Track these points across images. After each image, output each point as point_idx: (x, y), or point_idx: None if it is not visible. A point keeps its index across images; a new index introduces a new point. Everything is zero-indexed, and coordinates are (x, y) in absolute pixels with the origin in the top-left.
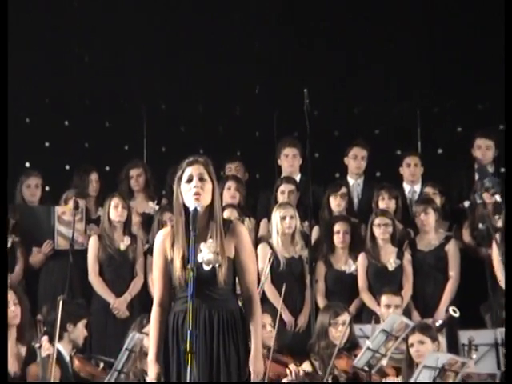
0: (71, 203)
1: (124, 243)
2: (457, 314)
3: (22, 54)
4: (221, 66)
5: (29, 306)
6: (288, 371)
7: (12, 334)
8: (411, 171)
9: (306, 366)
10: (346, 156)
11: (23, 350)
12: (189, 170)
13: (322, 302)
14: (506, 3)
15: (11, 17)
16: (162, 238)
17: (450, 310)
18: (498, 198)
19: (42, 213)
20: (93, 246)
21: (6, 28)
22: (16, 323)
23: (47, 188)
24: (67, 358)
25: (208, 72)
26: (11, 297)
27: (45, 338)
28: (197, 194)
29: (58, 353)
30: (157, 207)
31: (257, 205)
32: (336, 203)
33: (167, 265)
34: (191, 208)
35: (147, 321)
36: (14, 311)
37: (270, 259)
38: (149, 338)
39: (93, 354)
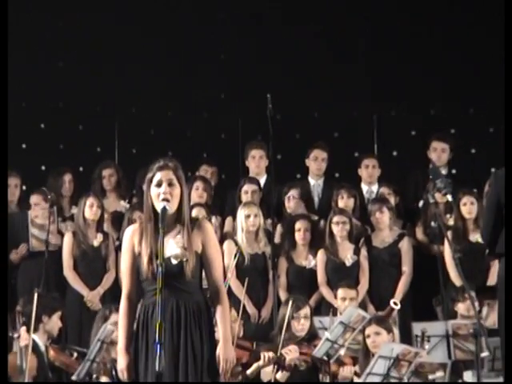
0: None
1: (97, 240)
2: (398, 307)
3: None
4: (188, 73)
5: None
6: (262, 356)
7: None
8: (369, 172)
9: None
10: (307, 158)
11: None
12: (158, 175)
13: (283, 295)
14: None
15: None
16: (130, 233)
17: (391, 302)
18: (449, 197)
19: (17, 217)
20: (67, 242)
21: None
22: None
23: (24, 187)
24: (43, 348)
25: (177, 79)
26: None
27: (23, 329)
28: (165, 199)
29: (34, 343)
30: (128, 206)
31: (224, 204)
32: (294, 202)
33: (135, 259)
34: (160, 208)
35: (110, 312)
36: None
37: (235, 255)
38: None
39: (68, 344)
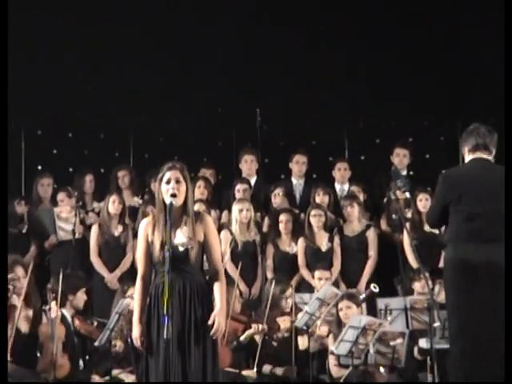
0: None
1: (118, 230)
2: (376, 290)
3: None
4: (192, 92)
5: (33, 279)
6: (255, 326)
7: (20, 301)
8: (341, 174)
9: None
10: (290, 161)
11: (30, 313)
12: (168, 174)
13: (270, 276)
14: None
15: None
16: (144, 225)
17: (372, 286)
18: (407, 195)
19: (44, 214)
20: (94, 233)
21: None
22: (22, 293)
23: (55, 186)
24: (69, 319)
25: (181, 97)
26: (20, 272)
27: (53, 303)
28: (173, 195)
29: (62, 315)
30: (140, 201)
31: (221, 200)
32: (280, 198)
33: (149, 246)
34: (168, 203)
35: (127, 289)
36: (21, 283)
37: (230, 243)
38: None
39: (93, 315)
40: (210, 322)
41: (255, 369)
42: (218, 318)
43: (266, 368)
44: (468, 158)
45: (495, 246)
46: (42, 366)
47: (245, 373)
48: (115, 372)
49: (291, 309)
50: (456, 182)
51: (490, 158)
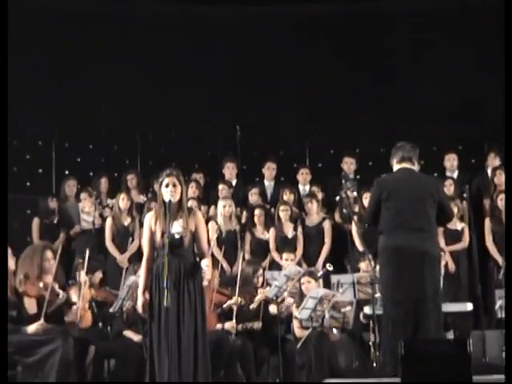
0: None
1: (127, 221)
2: (331, 268)
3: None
4: (185, 113)
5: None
6: (235, 298)
7: (50, 278)
8: (303, 177)
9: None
10: (262, 167)
11: (57, 287)
12: (166, 180)
13: (248, 257)
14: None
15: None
16: (149, 217)
17: (327, 265)
18: (355, 194)
19: (71, 208)
20: (109, 223)
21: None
22: (53, 272)
23: (79, 187)
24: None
25: (178, 116)
26: (50, 255)
27: (82, 272)
28: (171, 195)
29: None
30: (145, 199)
31: (209, 198)
32: (255, 196)
33: (152, 234)
34: (167, 200)
35: (138, 267)
36: (50, 264)
37: (216, 231)
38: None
39: (108, 287)
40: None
41: (234, 324)
42: (207, 297)
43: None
44: (396, 167)
45: (418, 234)
46: (70, 318)
47: (226, 326)
48: (125, 332)
49: (262, 284)
50: (386, 185)
51: (414, 167)
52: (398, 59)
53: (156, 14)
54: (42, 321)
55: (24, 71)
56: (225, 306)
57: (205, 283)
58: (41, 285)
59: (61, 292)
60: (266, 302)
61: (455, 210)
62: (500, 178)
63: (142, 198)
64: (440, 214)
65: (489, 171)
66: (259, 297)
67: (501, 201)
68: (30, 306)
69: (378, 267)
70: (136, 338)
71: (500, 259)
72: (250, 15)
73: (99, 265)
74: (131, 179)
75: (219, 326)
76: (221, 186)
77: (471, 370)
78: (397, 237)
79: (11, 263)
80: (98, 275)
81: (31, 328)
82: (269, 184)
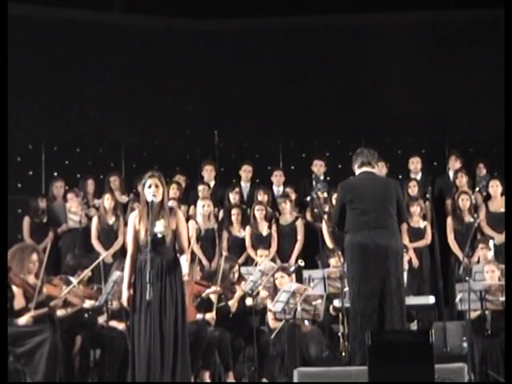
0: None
1: (112, 220)
2: (303, 264)
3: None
4: (167, 120)
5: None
6: (212, 288)
7: (33, 277)
8: (277, 179)
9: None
10: (239, 170)
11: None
12: (149, 181)
13: (225, 254)
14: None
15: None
16: (133, 217)
17: (299, 261)
18: (325, 194)
19: (58, 208)
20: (94, 222)
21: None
22: (36, 272)
23: (66, 188)
24: (76, 285)
25: (161, 123)
26: (36, 257)
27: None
28: (153, 195)
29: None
30: (127, 199)
31: (188, 198)
32: (232, 197)
33: (136, 233)
34: (149, 201)
35: (122, 263)
36: (36, 266)
37: (196, 230)
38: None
39: (94, 282)
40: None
41: (214, 315)
42: (187, 290)
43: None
44: (357, 171)
45: (381, 232)
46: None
47: (207, 317)
48: (111, 323)
49: (238, 279)
50: (349, 188)
51: (373, 170)
52: (368, 70)
53: (142, 26)
54: (32, 312)
55: (14, 78)
56: (203, 294)
57: (185, 278)
58: (27, 280)
59: (43, 289)
60: (243, 296)
61: (418, 209)
62: (461, 180)
63: (124, 198)
64: (396, 213)
65: (450, 173)
66: (238, 294)
67: (461, 201)
68: (18, 298)
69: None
70: (120, 326)
71: (460, 255)
72: (225, 28)
73: (88, 262)
74: (114, 181)
75: (199, 316)
76: (200, 187)
77: (433, 358)
78: (361, 235)
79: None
80: (87, 274)
81: (22, 320)
82: (245, 185)
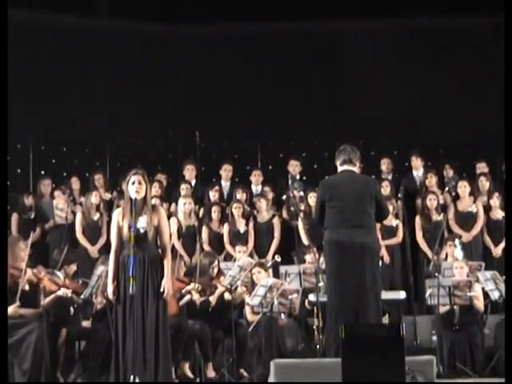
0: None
1: (96, 216)
2: (279, 260)
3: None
4: (150, 122)
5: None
6: (192, 284)
7: (23, 264)
8: (256, 178)
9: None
10: (220, 169)
11: (29, 270)
12: (133, 178)
13: (206, 249)
14: None
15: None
16: (117, 213)
17: (276, 257)
18: (301, 193)
19: (46, 205)
20: (79, 218)
21: None
22: (25, 259)
23: (53, 185)
24: (62, 279)
25: (144, 125)
26: (23, 245)
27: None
28: (137, 191)
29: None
30: (110, 196)
31: (170, 196)
32: (212, 195)
33: (119, 229)
34: (133, 198)
35: (105, 259)
36: (25, 253)
37: (178, 227)
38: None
39: (79, 276)
40: (161, 290)
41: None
42: (167, 284)
43: None
44: (339, 169)
45: (358, 230)
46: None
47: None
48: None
49: (217, 274)
50: (329, 187)
51: (354, 168)
52: (344, 74)
53: (125, 30)
54: (17, 303)
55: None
56: (183, 291)
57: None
58: (17, 270)
59: (30, 272)
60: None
61: (390, 208)
62: (431, 181)
63: (107, 196)
64: (377, 211)
65: (414, 173)
66: (219, 290)
67: (429, 201)
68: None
69: (321, 259)
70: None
71: (429, 252)
72: (205, 32)
73: (75, 258)
74: (98, 179)
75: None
76: (182, 186)
77: (404, 351)
78: (339, 232)
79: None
80: (73, 268)
81: (9, 309)
82: (225, 184)
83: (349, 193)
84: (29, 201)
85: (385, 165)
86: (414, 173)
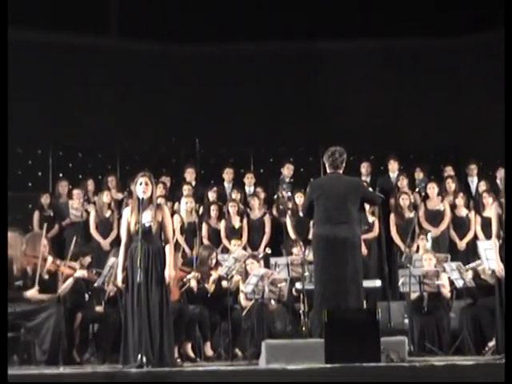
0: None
1: (108, 213)
2: (270, 252)
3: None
4: (155, 129)
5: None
6: (193, 273)
7: (45, 255)
8: (249, 180)
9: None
10: (222, 173)
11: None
12: (141, 179)
13: (205, 242)
14: None
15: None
16: (126, 211)
17: (267, 250)
18: (289, 193)
19: (62, 205)
20: (93, 215)
21: None
22: (46, 252)
23: (70, 187)
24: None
25: (150, 132)
26: (45, 241)
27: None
28: (144, 192)
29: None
30: (121, 196)
31: (173, 196)
32: (210, 195)
33: (129, 225)
34: (140, 197)
35: (117, 251)
36: (46, 248)
37: (180, 223)
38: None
39: (93, 267)
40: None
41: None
42: (168, 272)
43: None
44: (328, 171)
45: (341, 227)
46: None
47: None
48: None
49: (215, 265)
50: (317, 187)
51: (340, 171)
52: (327, 88)
53: (134, 48)
54: (36, 287)
55: (28, 94)
56: (185, 279)
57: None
58: (37, 259)
59: (50, 261)
60: (219, 278)
61: (368, 206)
62: (402, 182)
63: (119, 196)
64: (369, 203)
65: (391, 175)
66: (213, 277)
67: (402, 200)
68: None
69: (307, 251)
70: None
71: (402, 246)
72: (207, 52)
73: (89, 250)
74: (111, 180)
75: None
76: (183, 187)
77: (379, 333)
78: (325, 228)
79: (22, 243)
80: (87, 259)
81: (29, 293)
82: (227, 185)
83: (334, 193)
84: (48, 200)
85: (364, 168)
86: (391, 175)
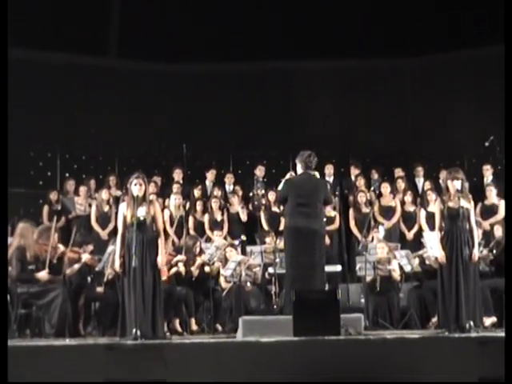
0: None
1: (107, 208)
2: (245, 239)
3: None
4: (149, 135)
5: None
6: (178, 256)
7: (54, 243)
8: (228, 180)
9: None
10: (206, 171)
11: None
12: (135, 180)
13: (191, 233)
14: None
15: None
16: (122, 206)
17: (242, 236)
18: (263, 191)
19: (68, 201)
20: (94, 210)
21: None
22: (55, 241)
23: (75, 185)
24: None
25: (144, 138)
26: (54, 232)
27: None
28: (138, 190)
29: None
30: (120, 193)
31: (164, 194)
32: (196, 192)
33: (125, 218)
34: (135, 194)
35: (115, 240)
36: (55, 237)
37: (170, 216)
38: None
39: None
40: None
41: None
42: (160, 258)
43: None
44: (299, 171)
45: (310, 219)
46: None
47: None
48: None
49: (199, 252)
50: (290, 184)
51: (311, 172)
52: (296, 102)
53: (131, 68)
54: (47, 269)
55: (40, 108)
56: (173, 261)
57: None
58: (47, 247)
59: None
60: (202, 264)
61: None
62: (360, 182)
63: (118, 193)
64: (324, 202)
65: (352, 177)
66: (197, 263)
67: (360, 197)
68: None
69: (278, 241)
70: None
71: (359, 236)
72: (194, 70)
73: (89, 239)
74: (112, 180)
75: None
76: (173, 186)
77: (339, 310)
78: (295, 220)
79: (34, 233)
80: (90, 247)
81: (40, 274)
82: (210, 184)
83: (305, 191)
84: (56, 197)
85: (328, 170)
86: (352, 176)
